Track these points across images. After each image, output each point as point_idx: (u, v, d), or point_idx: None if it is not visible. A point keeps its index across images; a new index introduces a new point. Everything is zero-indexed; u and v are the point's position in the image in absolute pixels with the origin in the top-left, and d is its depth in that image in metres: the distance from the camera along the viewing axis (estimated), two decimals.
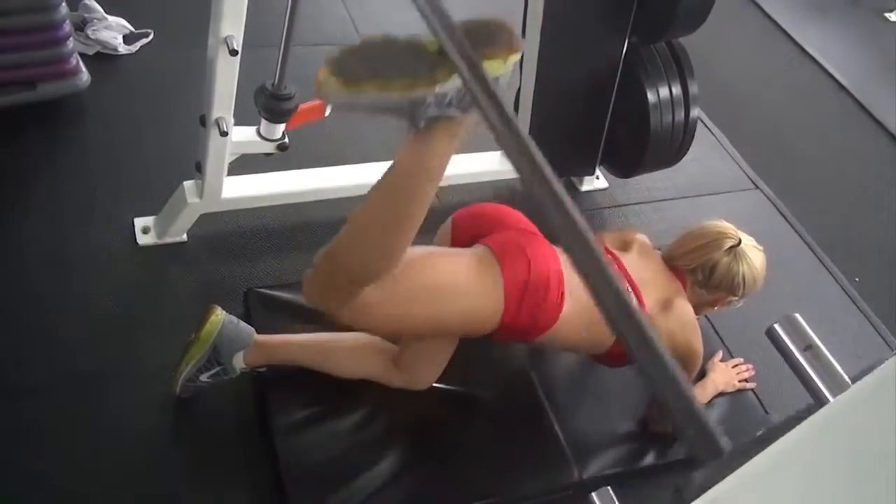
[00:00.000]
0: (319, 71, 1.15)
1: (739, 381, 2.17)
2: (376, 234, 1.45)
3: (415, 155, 1.34)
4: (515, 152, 0.67)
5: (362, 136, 2.66)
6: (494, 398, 1.97)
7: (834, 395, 1.11)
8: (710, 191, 2.93)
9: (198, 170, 2.07)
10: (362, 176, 2.30)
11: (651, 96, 2.31)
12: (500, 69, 1.20)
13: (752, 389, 2.18)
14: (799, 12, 4.31)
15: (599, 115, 2.45)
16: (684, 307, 1.86)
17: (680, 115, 2.32)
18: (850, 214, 3.12)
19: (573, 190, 2.74)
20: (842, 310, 2.63)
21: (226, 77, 1.80)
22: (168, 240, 2.17)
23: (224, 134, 1.88)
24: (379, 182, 1.42)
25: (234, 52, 1.71)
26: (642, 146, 2.36)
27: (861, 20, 4.48)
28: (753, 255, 1.93)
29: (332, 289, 1.56)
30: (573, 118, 2.47)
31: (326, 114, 2.13)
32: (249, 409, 1.87)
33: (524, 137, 0.67)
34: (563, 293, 1.67)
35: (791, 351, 1.17)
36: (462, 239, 1.80)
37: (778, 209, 2.94)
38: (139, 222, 2.19)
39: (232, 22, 1.70)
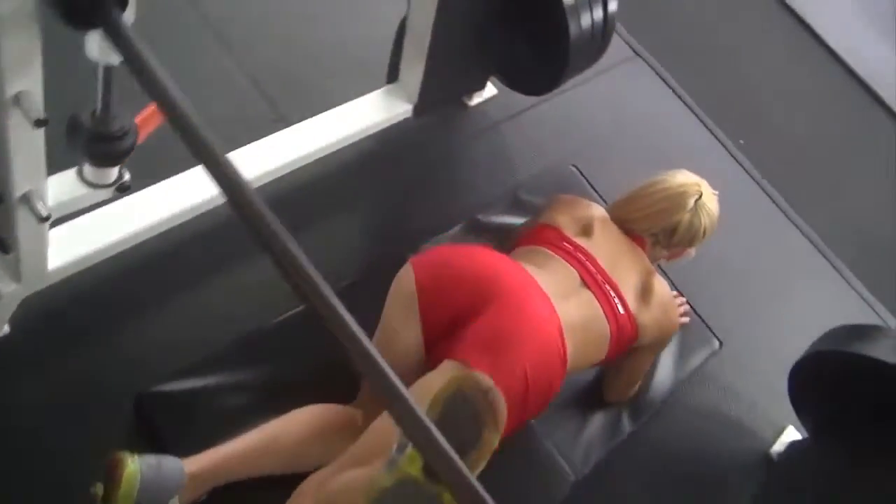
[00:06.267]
0: None
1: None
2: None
3: None
4: None
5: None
6: None
7: None
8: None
9: (2, 249, 1.40)
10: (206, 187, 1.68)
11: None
12: None
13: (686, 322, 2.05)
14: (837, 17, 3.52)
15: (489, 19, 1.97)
16: (660, 286, 1.75)
17: (598, 13, 1.89)
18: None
19: (462, 108, 2.28)
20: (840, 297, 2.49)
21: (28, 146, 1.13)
22: None
23: (44, 220, 1.23)
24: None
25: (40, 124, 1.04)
26: (562, 56, 1.92)
27: None
28: (711, 203, 1.82)
29: None
30: (465, 32, 1.97)
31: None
32: None
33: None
34: (565, 351, 1.48)
35: None
36: (434, 309, 1.50)
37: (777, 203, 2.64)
38: None
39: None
